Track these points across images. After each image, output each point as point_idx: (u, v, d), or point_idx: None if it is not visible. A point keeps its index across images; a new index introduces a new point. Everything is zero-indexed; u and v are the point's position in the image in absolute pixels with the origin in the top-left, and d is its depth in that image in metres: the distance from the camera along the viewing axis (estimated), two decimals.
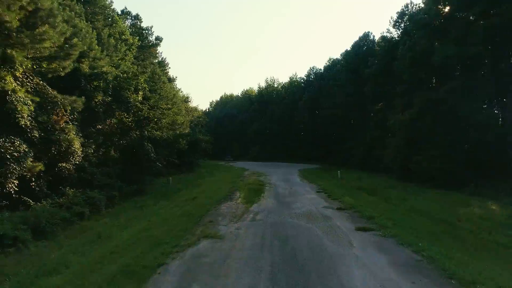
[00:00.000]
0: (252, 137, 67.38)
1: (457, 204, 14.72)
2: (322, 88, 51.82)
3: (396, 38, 31.92)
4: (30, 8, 11.49)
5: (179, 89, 42.03)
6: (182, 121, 29.52)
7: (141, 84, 18.89)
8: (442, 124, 20.17)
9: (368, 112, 37.84)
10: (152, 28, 35.05)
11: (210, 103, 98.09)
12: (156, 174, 22.40)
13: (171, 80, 38.68)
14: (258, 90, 75.04)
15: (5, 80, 10.44)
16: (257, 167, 39.09)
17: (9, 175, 10.48)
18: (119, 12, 32.68)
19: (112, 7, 27.30)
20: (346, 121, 44.62)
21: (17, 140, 10.81)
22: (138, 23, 33.93)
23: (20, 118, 10.63)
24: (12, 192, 10.79)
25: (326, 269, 6.43)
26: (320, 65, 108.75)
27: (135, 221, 11.73)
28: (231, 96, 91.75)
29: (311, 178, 26.17)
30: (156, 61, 37.47)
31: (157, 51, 36.65)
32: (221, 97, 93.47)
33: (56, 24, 12.62)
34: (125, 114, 18.25)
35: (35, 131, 11.58)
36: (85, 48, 15.18)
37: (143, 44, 31.36)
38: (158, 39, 35.61)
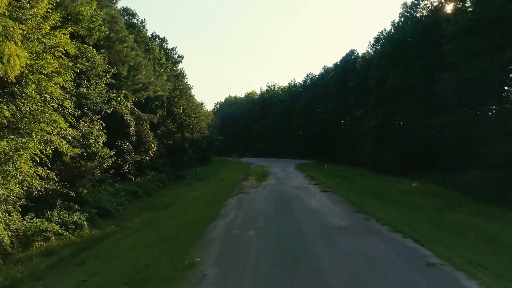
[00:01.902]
0: (254, 136, 75.21)
1: (393, 183, 22.71)
2: (317, 94, 59.50)
3: (373, 54, 39.68)
4: (132, 63, 19.41)
5: (193, 95, 49.98)
6: (203, 125, 37.45)
7: (181, 101, 26.80)
8: (395, 131, 28.10)
9: (352, 118, 45.74)
10: (176, 49, 42.82)
11: (215, 103, 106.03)
12: (187, 166, 30.37)
13: (190, 89, 46.58)
14: (260, 93, 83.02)
15: (122, 108, 18.36)
16: (261, 162, 47.02)
17: (125, 162, 18.46)
18: (149, 35, 40.46)
19: (148, 35, 35.16)
20: (335, 123, 52.49)
21: (127, 142, 18.78)
22: (165, 44, 41.68)
23: (131, 130, 18.58)
24: (125, 172, 18.79)
25: (299, 202, 14.36)
26: (317, 70, 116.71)
27: (193, 190, 19.72)
28: (235, 97, 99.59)
29: (303, 169, 34.11)
30: (175, 73, 45.31)
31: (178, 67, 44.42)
32: (226, 99, 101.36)
33: (142, 70, 20.56)
34: (171, 123, 26.16)
35: (134, 137, 19.53)
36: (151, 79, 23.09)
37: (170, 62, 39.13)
38: (180, 56, 43.40)
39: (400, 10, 28.64)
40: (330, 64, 61.89)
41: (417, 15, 27.29)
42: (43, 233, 9.24)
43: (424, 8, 26.20)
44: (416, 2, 26.86)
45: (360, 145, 39.65)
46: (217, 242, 8.12)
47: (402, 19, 28.58)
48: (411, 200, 16.25)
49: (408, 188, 20.82)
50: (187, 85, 40.77)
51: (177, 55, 43.23)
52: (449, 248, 7.94)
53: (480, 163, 16.83)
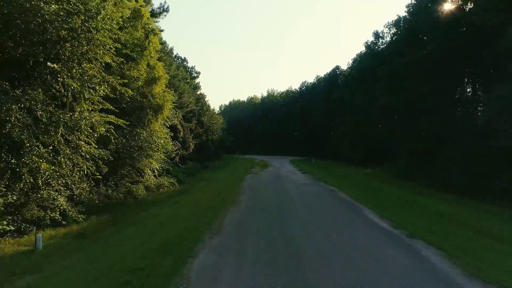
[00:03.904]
0: (256, 137, 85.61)
1: (355, 170, 33.08)
2: (310, 101, 69.82)
3: (349, 73, 49.93)
4: (180, 91, 29.74)
5: (209, 104, 60.22)
6: (219, 129, 47.78)
7: (206, 112, 37.03)
8: (359, 134, 38.53)
9: (336, 122, 56.12)
10: (195, 67, 53.15)
11: (220, 106, 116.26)
12: (209, 160, 40.75)
13: (205, 98, 56.91)
14: (261, 99, 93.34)
15: (175, 120, 28.71)
16: (262, 158, 57.43)
17: (177, 155, 28.85)
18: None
19: (174, 56, 45.37)
20: (324, 126, 62.82)
21: (177, 142, 29.15)
22: (185, 63, 51.94)
23: (180, 134, 28.90)
24: (177, 161, 29.16)
25: (287, 177, 24.73)
26: (311, 77, 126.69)
27: (220, 174, 30.05)
28: (238, 101, 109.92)
29: (295, 163, 44.46)
30: (192, 85, 55.57)
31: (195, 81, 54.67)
32: (230, 102, 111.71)
33: (185, 93, 30.88)
34: (199, 128, 36.44)
35: (181, 138, 29.88)
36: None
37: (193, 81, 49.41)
38: (197, 73, 53.71)
39: (364, 45, 38.96)
40: (322, 74, 72.34)
41: (377, 49, 37.66)
42: (163, 185, 19.58)
43: (380, 46, 36.59)
44: (375, 41, 37.23)
45: (340, 144, 50.14)
46: (247, 187, 18.52)
47: (368, 51, 38.90)
48: (356, 177, 26.64)
49: (362, 172, 31.21)
50: (202, 94, 51.21)
51: (195, 72, 53.63)
52: (348, 189, 18.26)
53: (401, 155, 27.30)
